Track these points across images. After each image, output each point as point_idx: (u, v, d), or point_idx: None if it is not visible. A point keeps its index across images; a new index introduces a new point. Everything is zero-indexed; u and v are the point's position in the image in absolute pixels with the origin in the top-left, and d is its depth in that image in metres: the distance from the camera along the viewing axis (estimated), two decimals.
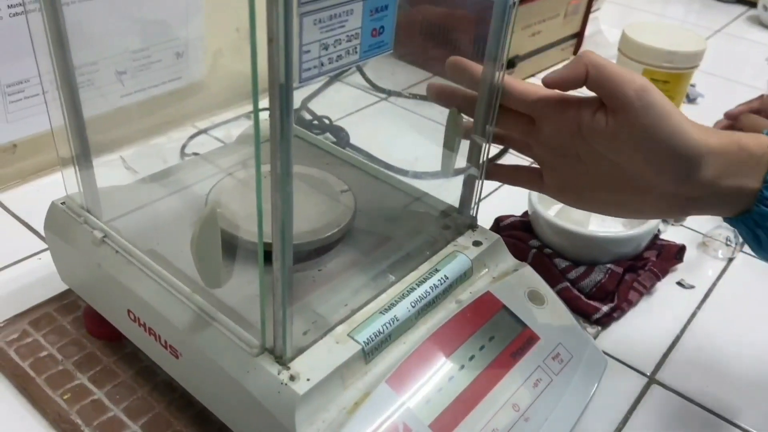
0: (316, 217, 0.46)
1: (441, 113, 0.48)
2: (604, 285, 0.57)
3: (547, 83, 0.41)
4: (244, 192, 0.49)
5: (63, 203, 0.48)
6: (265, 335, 0.37)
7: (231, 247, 0.42)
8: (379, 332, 0.40)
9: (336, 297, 0.42)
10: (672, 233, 0.66)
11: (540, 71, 1.00)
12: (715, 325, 0.58)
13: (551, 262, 0.58)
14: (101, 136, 0.47)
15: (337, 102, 0.86)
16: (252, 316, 0.38)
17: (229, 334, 0.38)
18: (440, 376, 0.40)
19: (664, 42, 0.79)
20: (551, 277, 0.56)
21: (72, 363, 0.48)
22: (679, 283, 0.62)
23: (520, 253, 0.58)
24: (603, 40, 1.11)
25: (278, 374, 0.36)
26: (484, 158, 0.46)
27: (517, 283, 0.47)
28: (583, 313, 0.56)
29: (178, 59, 0.72)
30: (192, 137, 0.73)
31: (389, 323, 0.40)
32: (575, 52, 1.06)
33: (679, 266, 0.63)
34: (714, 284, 0.62)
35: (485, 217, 0.55)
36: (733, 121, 0.70)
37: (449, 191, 0.49)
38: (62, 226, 0.47)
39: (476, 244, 0.47)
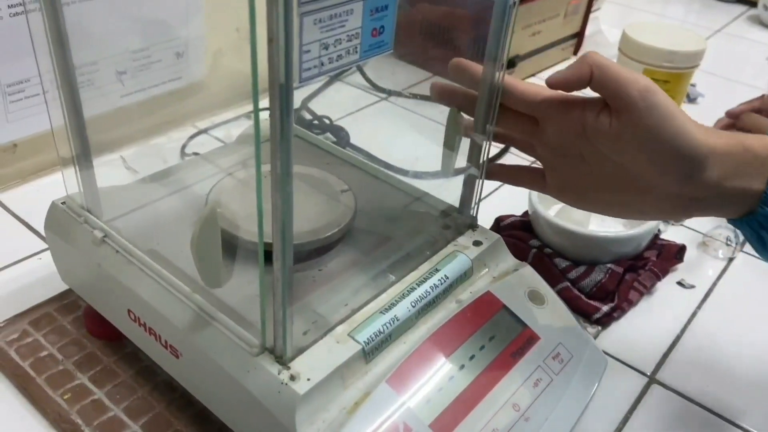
0: (317, 217, 0.46)
1: (441, 113, 0.48)
2: (604, 285, 0.57)
3: (551, 84, 0.41)
4: (245, 192, 0.49)
5: (63, 203, 0.48)
6: (266, 335, 0.37)
7: (231, 246, 0.42)
8: (380, 332, 0.40)
9: (336, 297, 0.42)
10: (672, 233, 0.66)
11: (540, 71, 1.00)
12: (715, 325, 0.58)
13: (551, 262, 0.58)
14: (101, 136, 0.47)
15: (338, 102, 0.86)
16: (252, 316, 0.38)
17: (229, 333, 0.38)
18: (440, 375, 0.40)
19: (665, 42, 0.79)
20: (551, 276, 0.56)
21: (72, 363, 0.48)
22: (679, 283, 0.62)
23: (520, 252, 0.58)
24: (603, 40, 1.11)
25: (278, 374, 0.36)
26: (485, 158, 0.46)
27: (518, 283, 0.47)
28: (584, 313, 0.56)
29: (179, 59, 0.72)
30: (192, 137, 0.73)
31: (389, 323, 0.40)
32: (575, 52, 1.06)
33: (680, 266, 0.63)
34: (714, 284, 0.62)
35: (485, 217, 0.55)
36: (734, 120, 0.70)
37: (449, 191, 0.49)
38: (62, 225, 0.47)
39: (476, 243, 0.47)
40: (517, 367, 0.43)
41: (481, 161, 0.46)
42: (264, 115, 0.30)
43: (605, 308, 0.56)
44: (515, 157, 0.77)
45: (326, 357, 0.37)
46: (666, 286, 0.61)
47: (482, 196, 0.48)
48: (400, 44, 0.37)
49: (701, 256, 0.66)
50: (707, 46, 0.81)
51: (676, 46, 0.79)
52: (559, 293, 0.53)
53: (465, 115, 0.46)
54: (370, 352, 0.39)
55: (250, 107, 0.29)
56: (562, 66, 1.07)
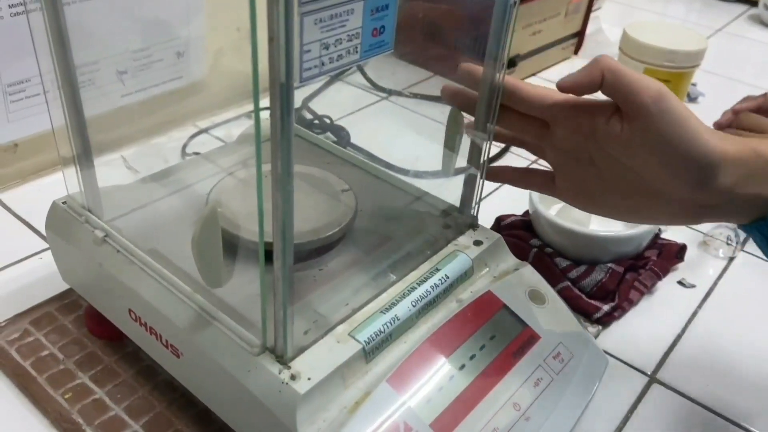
0: (317, 216, 0.46)
1: (442, 112, 0.48)
2: (604, 284, 0.57)
3: (561, 87, 0.41)
4: (245, 191, 0.49)
5: (64, 203, 0.48)
6: (266, 334, 0.37)
7: (232, 246, 0.43)
8: (380, 331, 0.40)
9: (337, 296, 0.42)
10: (673, 232, 0.66)
11: (541, 70, 1.00)
12: (716, 325, 0.58)
13: (552, 262, 0.58)
14: (102, 136, 0.47)
15: (338, 101, 0.86)
16: (253, 316, 0.38)
17: (230, 333, 0.38)
18: (441, 375, 0.40)
19: (665, 41, 0.79)
20: (552, 276, 0.56)
21: (73, 362, 0.48)
22: (680, 283, 0.62)
23: (520, 252, 0.58)
24: (604, 39, 1.11)
25: (279, 373, 0.36)
26: (485, 157, 0.46)
27: (518, 283, 0.47)
28: (584, 313, 0.56)
29: (179, 59, 0.72)
30: (193, 137, 0.73)
31: (390, 323, 0.40)
32: (576, 52, 1.06)
33: (680, 265, 0.63)
34: (715, 283, 0.62)
35: (486, 217, 0.55)
36: (734, 118, 0.70)
37: (450, 190, 0.49)
38: (63, 225, 0.47)
39: (477, 243, 0.47)
40: (518, 367, 0.43)
41: (481, 160, 0.46)
42: (264, 115, 0.30)
43: (606, 308, 0.56)
44: (516, 157, 0.77)
45: (327, 356, 0.37)
46: (666, 285, 0.61)
47: (483, 195, 0.48)
48: (401, 44, 0.37)
49: (702, 256, 0.66)
50: (708, 46, 0.81)
51: (677, 45, 0.79)
52: (560, 293, 0.53)
53: (466, 115, 0.46)
54: (370, 352, 0.39)
55: (250, 107, 0.29)
56: (562, 65, 1.08)
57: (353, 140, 0.76)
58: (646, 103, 0.37)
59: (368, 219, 0.49)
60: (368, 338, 0.39)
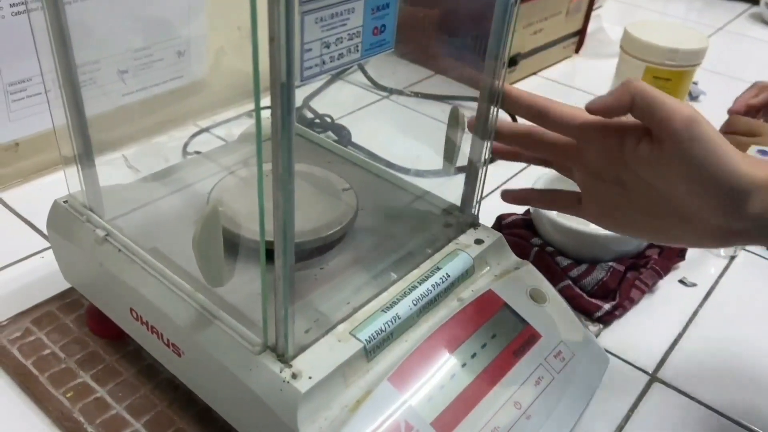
0: (318, 215, 0.46)
1: (443, 111, 0.48)
2: (605, 283, 0.57)
3: (591, 110, 0.40)
4: (246, 190, 0.49)
5: (65, 202, 0.48)
6: (267, 333, 0.37)
7: (233, 245, 0.43)
8: (381, 330, 0.40)
9: (338, 295, 0.42)
10: None
11: (542, 69, 1.00)
12: (717, 323, 0.58)
13: (553, 261, 0.58)
14: (103, 135, 0.47)
15: (339, 100, 0.86)
16: (254, 315, 0.38)
17: (231, 332, 0.38)
18: (442, 374, 0.40)
19: (667, 40, 0.79)
20: (553, 275, 0.56)
21: (74, 361, 0.49)
22: (681, 281, 0.62)
23: (522, 251, 0.58)
24: (605, 37, 1.11)
25: (280, 372, 0.36)
26: (486, 156, 0.46)
27: (519, 282, 0.47)
28: (585, 312, 0.56)
29: (180, 58, 0.72)
30: (194, 136, 0.73)
31: (391, 321, 0.40)
32: (577, 50, 1.06)
33: (681, 264, 0.63)
34: (716, 282, 0.62)
35: (487, 216, 0.55)
36: (728, 125, 0.70)
37: (451, 189, 0.49)
38: (64, 224, 0.47)
39: (478, 242, 0.47)
40: (519, 366, 0.43)
41: (482, 159, 0.46)
42: (265, 114, 0.30)
43: (607, 306, 0.56)
44: None
45: (328, 355, 0.37)
46: (668, 284, 0.61)
47: (484, 194, 0.48)
48: (402, 43, 0.37)
49: (703, 254, 0.65)
50: (709, 44, 0.81)
51: (678, 44, 0.79)
52: (561, 291, 0.53)
53: (465, 114, 0.47)
54: (371, 351, 0.39)
55: (251, 106, 0.29)
56: (563, 64, 1.08)
57: (354, 139, 0.76)
58: (677, 128, 0.36)
59: (369, 218, 0.49)
60: (369, 337, 0.39)
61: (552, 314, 0.46)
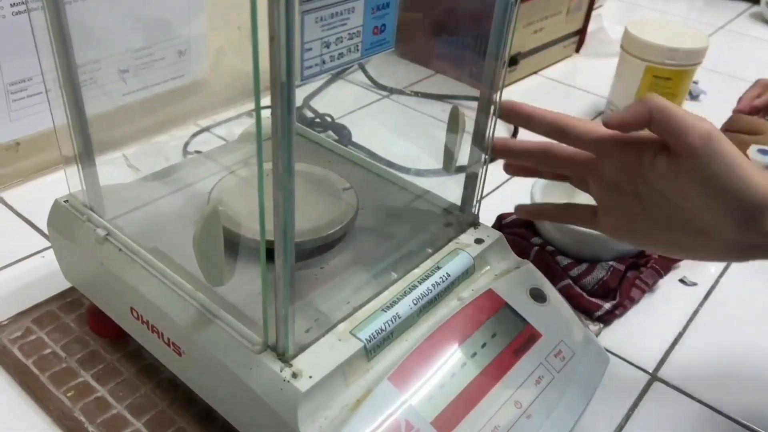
0: (318, 215, 0.46)
1: (443, 111, 0.48)
2: (606, 282, 0.57)
3: (609, 125, 0.40)
4: (246, 190, 0.49)
5: (66, 201, 0.48)
6: (268, 333, 0.37)
7: (233, 244, 0.43)
8: (381, 330, 0.40)
9: (338, 295, 0.42)
10: None
11: (542, 68, 1.00)
12: (717, 323, 0.58)
13: (553, 260, 0.58)
14: (104, 135, 0.47)
15: (339, 100, 0.86)
16: (254, 314, 0.38)
17: (231, 331, 0.38)
18: (442, 373, 0.40)
19: (667, 39, 0.79)
20: (553, 274, 0.56)
21: (75, 360, 0.49)
22: (681, 281, 0.62)
23: (522, 250, 0.58)
24: (606, 37, 1.11)
25: (281, 371, 0.36)
26: (486, 156, 0.46)
27: (519, 281, 0.47)
28: (586, 311, 0.56)
29: (181, 57, 0.72)
30: (194, 135, 0.73)
31: (391, 321, 0.40)
32: (577, 50, 1.06)
33: (682, 263, 0.63)
34: (716, 281, 0.62)
35: (487, 215, 0.55)
36: (729, 123, 0.70)
37: (451, 189, 0.49)
38: (65, 224, 0.48)
39: (478, 241, 0.47)
40: (519, 365, 0.43)
41: (482, 159, 0.46)
42: (266, 113, 0.30)
43: (607, 306, 0.56)
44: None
45: (328, 355, 0.38)
46: (668, 283, 0.61)
47: (484, 194, 0.48)
48: (402, 42, 0.37)
49: None
50: (710, 44, 0.81)
51: (679, 43, 0.79)
52: (561, 291, 0.53)
53: (465, 114, 0.47)
54: (371, 350, 0.39)
55: (251, 105, 0.29)
56: (564, 63, 1.07)
57: (354, 139, 0.76)
58: (695, 144, 0.36)
59: (369, 217, 0.49)
60: (369, 336, 0.39)
61: (552, 314, 0.46)
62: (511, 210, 0.65)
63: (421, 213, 0.52)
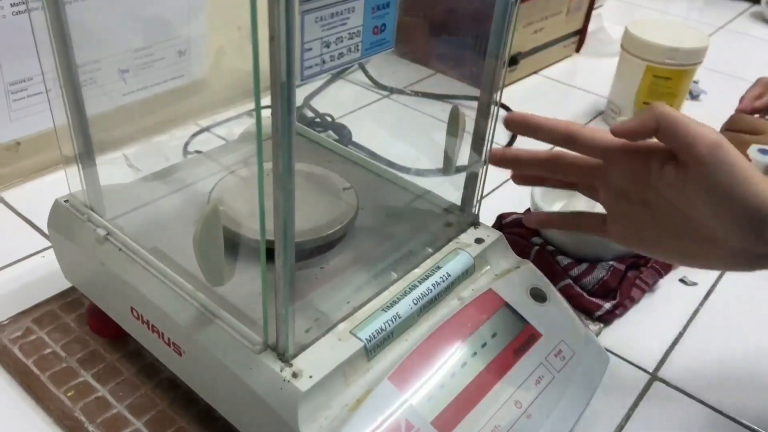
0: (318, 214, 0.46)
1: (443, 110, 0.48)
2: (606, 282, 0.57)
3: (616, 133, 0.40)
4: (247, 190, 0.49)
5: (66, 201, 0.48)
6: (268, 332, 0.37)
7: (233, 244, 0.43)
8: (382, 329, 0.40)
9: (338, 294, 0.42)
10: None
11: (542, 68, 1.00)
12: (717, 322, 0.58)
13: (553, 260, 0.58)
14: (104, 134, 0.47)
15: (340, 99, 0.86)
16: (255, 314, 0.38)
17: (231, 331, 0.38)
18: (442, 373, 0.40)
19: (667, 39, 0.79)
20: (553, 274, 0.56)
21: (76, 360, 0.49)
22: (681, 280, 0.62)
23: (522, 250, 0.58)
24: (606, 37, 1.11)
25: (281, 371, 0.36)
26: (486, 155, 0.46)
27: (520, 281, 0.47)
28: (586, 311, 0.56)
29: (181, 57, 0.72)
30: (194, 135, 0.73)
31: (391, 321, 0.40)
32: (578, 50, 1.06)
33: None
34: (717, 281, 0.62)
35: (487, 215, 0.55)
36: (730, 123, 0.70)
37: (451, 189, 0.49)
38: (65, 224, 0.48)
39: (478, 241, 0.47)
40: (519, 365, 0.43)
41: (483, 158, 0.46)
42: (266, 113, 0.30)
43: (607, 306, 0.56)
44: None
45: (328, 354, 0.38)
46: (668, 283, 0.61)
47: (484, 193, 0.48)
48: (402, 42, 0.37)
49: None
50: (710, 43, 0.81)
51: (679, 42, 0.79)
52: (561, 291, 0.53)
53: (465, 113, 0.47)
54: (372, 350, 0.39)
55: (252, 105, 0.29)
56: (564, 63, 1.07)
57: (355, 138, 0.76)
58: (702, 153, 0.36)
59: (370, 217, 0.49)
60: (370, 336, 0.39)
61: (552, 313, 0.46)
62: (512, 210, 0.65)
63: (421, 213, 0.52)
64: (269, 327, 0.36)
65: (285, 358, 0.37)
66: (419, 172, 0.62)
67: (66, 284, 0.52)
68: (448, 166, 0.50)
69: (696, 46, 0.79)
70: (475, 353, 0.42)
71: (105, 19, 0.58)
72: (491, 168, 0.47)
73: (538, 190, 0.61)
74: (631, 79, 0.82)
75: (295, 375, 0.36)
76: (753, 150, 0.59)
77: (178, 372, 0.44)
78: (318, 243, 0.45)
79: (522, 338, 0.44)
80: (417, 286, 0.43)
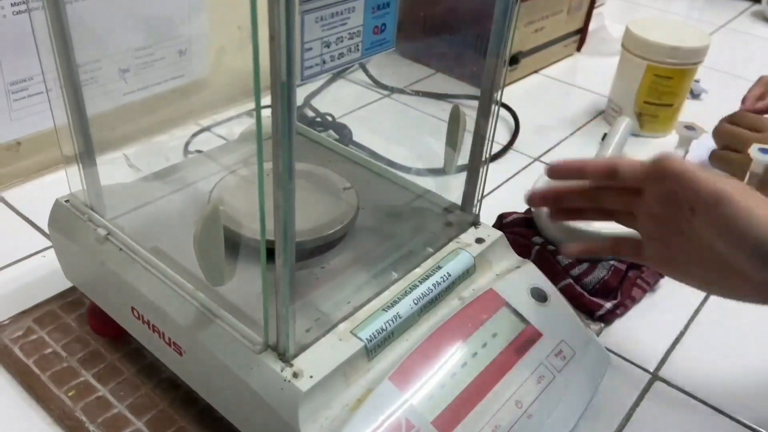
0: (319, 214, 0.46)
1: (443, 110, 0.48)
2: (607, 282, 0.57)
3: (622, 173, 0.43)
4: (247, 189, 0.49)
5: (67, 201, 0.48)
6: (268, 332, 0.37)
7: (234, 244, 0.43)
8: (382, 329, 0.40)
9: (339, 294, 0.42)
10: None
11: (543, 67, 1.00)
12: (718, 322, 0.58)
13: (554, 259, 0.58)
14: (104, 134, 0.47)
15: (340, 99, 0.86)
16: (255, 314, 0.38)
17: (232, 331, 0.38)
18: (443, 373, 0.40)
19: (668, 38, 0.79)
20: (554, 274, 0.56)
21: (76, 360, 0.49)
22: None
23: (523, 249, 0.58)
24: (607, 35, 1.10)
25: (281, 371, 0.36)
26: (487, 155, 0.46)
27: (520, 280, 0.47)
28: (586, 310, 0.56)
29: (181, 57, 0.72)
30: (195, 135, 0.73)
31: (392, 320, 0.40)
32: (579, 48, 1.06)
33: None
34: None
35: (488, 214, 0.55)
36: (731, 119, 0.70)
37: (452, 188, 0.49)
38: (66, 223, 0.48)
39: (479, 241, 0.47)
40: (520, 365, 0.43)
41: (483, 158, 0.46)
42: (266, 113, 0.30)
43: (608, 305, 0.56)
44: (518, 155, 0.77)
45: (329, 354, 0.37)
46: (669, 282, 0.61)
47: (485, 193, 0.48)
48: (403, 41, 0.37)
49: None
50: (711, 42, 0.81)
51: (680, 42, 0.79)
52: (562, 290, 0.53)
53: (466, 113, 0.46)
54: (372, 350, 0.39)
55: (252, 105, 0.29)
56: (565, 62, 1.07)
57: (355, 138, 0.76)
58: (706, 206, 0.39)
59: (370, 217, 0.49)
60: (370, 336, 0.39)
61: (553, 313, 0.46)
62: (512, 209, 0.65)
63: (421, 212, 0.52)
64: (270, 327, 0.36)
65: (285, 358, 0.37)
66: (420, 172, 0.62)
67: (66, 284, 0.52)
68: (449, 166, 0.50)
69: (697, 45, 0.79)
70: (475, 353, 0.42)
71: (105, 18, 0.58)
72: (492, 167, 0.47)
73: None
74: (632, 78, 0.82)
75: (295, 375, 0.36)
76: (754, 149, 0.59)
77: (178, 372, 0.44)
78: (318, 243, 0.45)
79: (522, 338, 0.44)
80: (417, 286, 0.43)
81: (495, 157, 0.76)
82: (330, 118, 0.78)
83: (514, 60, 0.92)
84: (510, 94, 0.88)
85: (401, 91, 0.88)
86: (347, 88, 0.89)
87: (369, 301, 0.41)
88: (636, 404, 0.50)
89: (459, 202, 0.49)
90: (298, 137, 0.30)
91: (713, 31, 1.21)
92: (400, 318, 0.41)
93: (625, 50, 0.83)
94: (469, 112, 0.46)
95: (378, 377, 0.38)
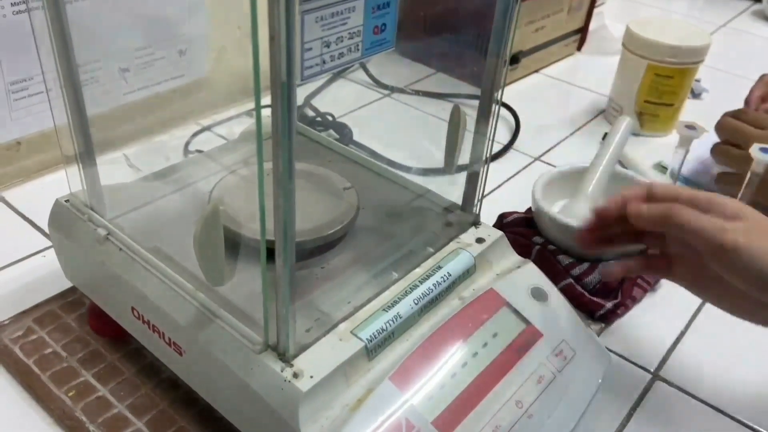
0: (319, 214, 0.46)
1: (444, 110, 0.48)
2: (607, 282, 0.57)
3: (632, 218, 0.44)
4: (247, 189, 0.49)
5: (67, 201, 0.48)
6: (269, 332, 0.37)
7: (234, 244, 0.42)
8: (382, 329, 0.40)
9: (339, 294, 0.42)
10: None
11: (543, 66, 1.00)
12: (719, 322, 0.57)
13: (555, 259, 0.58)
14: (105, 134, 0.47)
15: (340, 98, 0.86)
16: (255, 314, 0.38)
17: (232, 331, 0.38)
18: (443, 373, 0.40)
19: (669, 37, 0.79)
20: (555, 273, 0.56)
21: (76, 360, 0.49)
22: None
23: (523, 249, 0.58)
24: (607, 35, 1.10)
25: (281, 371, 0.36)
26: (487, 155, 0.46)
27: (521, 280, 0.47)
28: (587, 310, 0.56)
29: (181, 57, 0.72)
30: (195, 135, 0.73)
31: (392, 320, 0.40)
32: (579, 48, 1.06)
33: None
34: None
35: (488, 214, 0.55)
36: (735, 114, 0.70)
37: (452, 188, 0.49)
38: (66, 223, 0.47)
39: (479, 241, 0.47)
40: (520, 364, 0.43)
41: (484, 158, 0.46)
42: (266, 113, 0.30)
43: (609, 305, 0.56)
44: (519, 154, 0.77)
45: (329, 354, 0.37)
46: (669, 282, 0.61)
47: (485, 192, 0.48)
48: (403, 41, 0.37)
49: None
50: (712, 42, 0.81)
51: (681, 41, 0.79)
52: (563, 290, 0.53)
53: (466, 113, 0.46)
54: (372, 350, 0.39)
55: (252, 105, 0.29)
56: (565, 62, 1.07)
57: (355, 137, 0.76)
58: (714, 256, 0.40)
59: (370, 217, 0.49)
60: (370, 336, 0.39)
61: (553, 313, 0.46)
62: (512, 209, 0.65)
63: (422, 212, 0.52)
64: (270, 327, 0.36)
65: (286, 358, 0.37)
66: (420, 172, 0.62)
67: (67, 284, 0.52)
68: (449, 166, 0.50)
69: (697, 44, 0.79)
70: (476, 353, 0.42)
71: (105, 18, 0.58)
72: (492, 167, 0.47)
73: (539, 190, 0.61)
74: (633, 77, 0.82)
75: (295, 375, 0.36)
76: (755, 149, 0.59)
77: (178, 372, 0.44)
78: (318, 243, 0.45)
79: (523, 338, 0.44)
80: (418, 286, 0.43)
81: (495, 157, 0.76)
82: (330, 118, 0.78)
83: (515, 59, 0.92)
84: (510, 93, 0.88)
85: (401, 91, 0.88)
86: (347, 88, 0.89)
87: (369, 301, 0.41)
88: (636, 404, 0.50)
89: (459, 201, 0.49)
90: (298, 137, 0.30)
91: (714, 30, 1.21)
92: (400, 318, 0.41)
93: (625, 49, 0.83)
94: (470, 111, 0.46)
95: (378, 377, 0.38)
